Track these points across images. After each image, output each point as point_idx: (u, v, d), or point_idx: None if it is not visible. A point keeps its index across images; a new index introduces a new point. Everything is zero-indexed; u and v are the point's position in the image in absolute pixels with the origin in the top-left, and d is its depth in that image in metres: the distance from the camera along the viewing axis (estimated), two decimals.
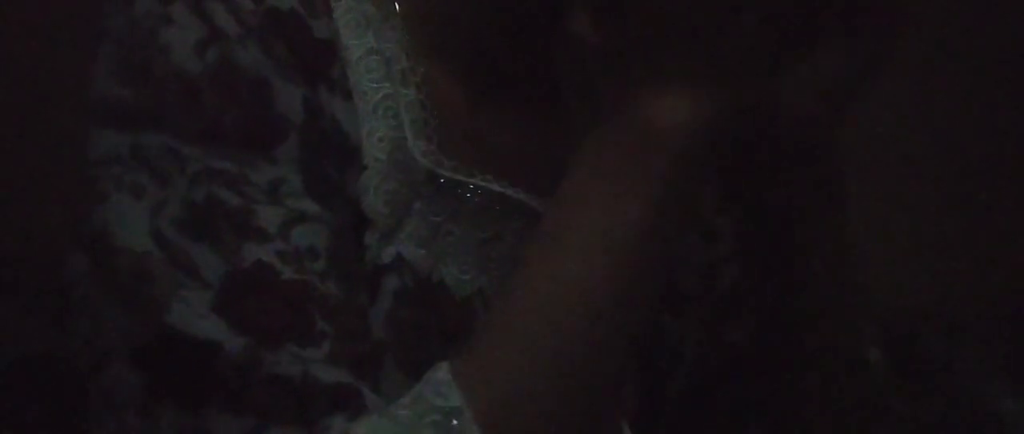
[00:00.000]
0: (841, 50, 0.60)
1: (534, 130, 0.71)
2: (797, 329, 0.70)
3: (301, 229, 0.60)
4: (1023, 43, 1.72)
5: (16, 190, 1.46)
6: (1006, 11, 1.71)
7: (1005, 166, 1.73)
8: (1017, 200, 1.71)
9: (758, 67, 0.58)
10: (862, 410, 0.73)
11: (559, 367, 0.57)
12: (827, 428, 0.72)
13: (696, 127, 0.57)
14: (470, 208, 0.68)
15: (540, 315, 0.57)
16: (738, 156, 0.64)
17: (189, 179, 0.59)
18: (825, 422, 0.72)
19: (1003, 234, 1.71)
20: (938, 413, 1.51)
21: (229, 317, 0.58)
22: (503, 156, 0.70)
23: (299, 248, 0.60)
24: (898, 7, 0.60)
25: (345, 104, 0.65)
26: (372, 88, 0.66)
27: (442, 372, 0.57)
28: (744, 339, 0.74)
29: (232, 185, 0.59)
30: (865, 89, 0.62)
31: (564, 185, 0.59)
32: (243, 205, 0.59)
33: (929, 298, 1.67)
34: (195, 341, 0.57)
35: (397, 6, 0.68)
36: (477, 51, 0.70)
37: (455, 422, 0.56)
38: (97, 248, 0.60)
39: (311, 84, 0.63)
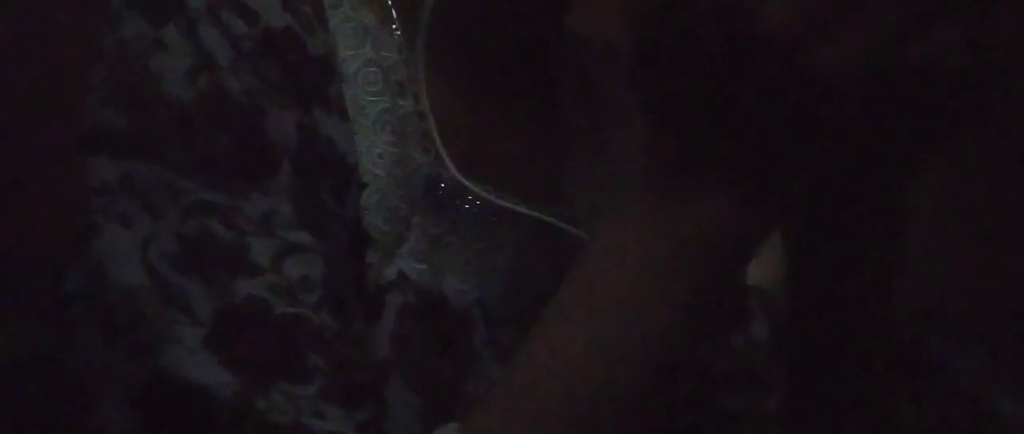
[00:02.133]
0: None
1: (533, 140, 0.71)
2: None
3: (294, 260, 0.60)
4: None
5: (17, 190, 1.46)
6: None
7: (1005, 165, 1.73)
8: (1017, 200, 1.71)
9: (807, 179, 0.52)
10: (867, 415, 0.72)
11: None
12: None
13: (738, 235, 0.52)
14: (468, 219, 0.68)
15: (552, 393, 0.54)
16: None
17: (181, 211, 0.59)
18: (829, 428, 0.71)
19: (1003, 234, 1.71)
20: (938, 413, 1.51)
21: (221, 355, 0.57)
22: (502, 166, 0.70)
23: (292, 280, 0.59)
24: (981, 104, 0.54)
25: (341, 123, 0.64)
26: (370, 102, 0.66)
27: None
28: (749, 347, 0.74)
29: (224, 218, 0.59)
30: None
31: (584, 264, 0.55)
32: (235, 239, 0.59)
33: (929, 298, 1.67)
34: (187, 385, 0.57)
35: (394, 12, 0.68)
36: (477, 59, 0.69)
37: None
38: (92, 286, 0.60)
39: (305, 105, 0.63)
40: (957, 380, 1.50)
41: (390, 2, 0.68)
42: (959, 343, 1.56)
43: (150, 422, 0.58)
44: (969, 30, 0.50)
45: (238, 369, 0.57)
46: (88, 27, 0.65)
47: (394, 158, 0.66)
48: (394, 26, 0.68)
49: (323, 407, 0.58)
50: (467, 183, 0.67)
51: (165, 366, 0.57)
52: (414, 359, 0.65)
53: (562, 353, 0.54)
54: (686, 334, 0.54)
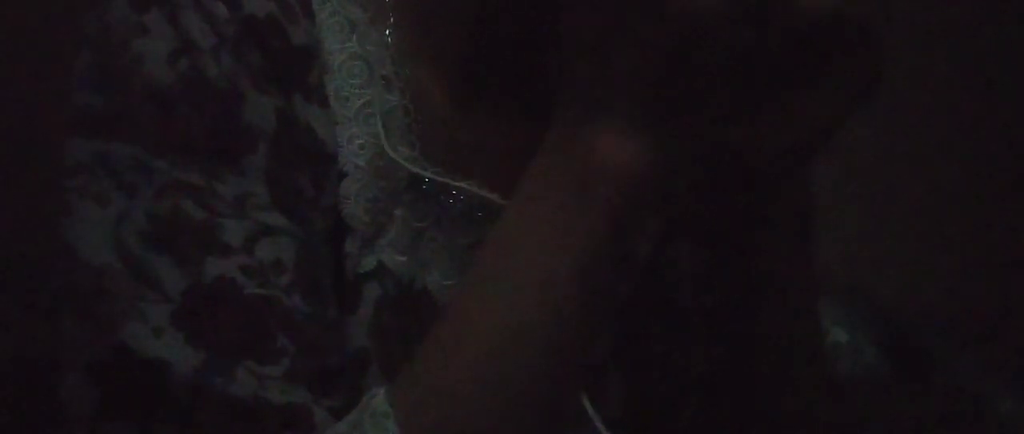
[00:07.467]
0: (815, 97, 0.56)
1: (519, 134, 0.71)
2: (766, 344, 0.69)
3: (267, 242, 0.60)
4: (1022, 43, 1.72)
5: (14, 189, 1.46)
6: (1004, 11, 1.71)
7: (1004, 165, 1.72)
8: (1016, 200, 1.71)
9: (716, 114, 0.55)
10: (845, 421, 0.72)
11: (498, 402, 0.56)
12: None
13: (643, 168, 0.55)
14: (453, 214, 0.67)
15: (478, 348, 0.56)
16: (698, 186, 0.63)
17: (155, 190, 0.59)
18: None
19: (1002, 234, 1.71)
20: (938, 413, 1.51)
21: (188, 332, 0.57)
22: (487, 161, 0.69)
23: (264, 262, 0.59)
24: (878, 52, 0.55)
25: (321, 112, 0.64)
26: (354, 93, 0.66)
27: (379, 400, 0.57)
28: (730, 351, 0.73)
29: (198, 198, 0.59)
30: (841, 130, 0.57)
31: (506, 213, 0.58)
32: (208, 219, 0.59)
33: (929, 298, 1.67)
34: (147, 360, 0.57)
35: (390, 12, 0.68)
36: (464, 54, 0.69)
37: None
38: (62, 260, 0.60)
39: (286, 93, 0.62)
40: (957, 380, 1.50)
41: None
42: (959, 343, 1.56)
43: (107, 397, 0.58)
44: None
45: (205, 346, 0.57)
46: (75, 15, 0.65)
47: (376, 150, 0.65)
48: (389, 21, 0.67)
49: (289, 388, 0.58)
50: (452, 177, 0.67)
51: (125, 342, 0.57)
52: (392, 351, 0.65)
53: (476, 309, 0.57)
54: (592, 273, 0.56)
